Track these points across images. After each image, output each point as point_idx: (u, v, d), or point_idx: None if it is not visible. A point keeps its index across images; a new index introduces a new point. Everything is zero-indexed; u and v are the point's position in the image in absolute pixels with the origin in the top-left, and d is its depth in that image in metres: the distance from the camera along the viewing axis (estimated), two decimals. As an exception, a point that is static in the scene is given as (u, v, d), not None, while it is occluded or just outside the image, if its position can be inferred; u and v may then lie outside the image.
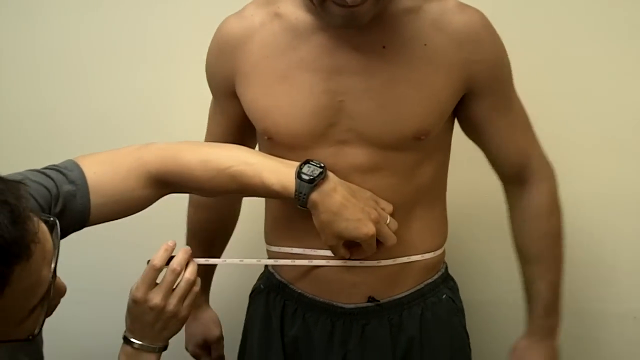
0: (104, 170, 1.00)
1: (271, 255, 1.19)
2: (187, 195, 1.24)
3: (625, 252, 1.47)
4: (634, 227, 1.45)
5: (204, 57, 1.15)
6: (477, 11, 1.05)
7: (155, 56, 1.51)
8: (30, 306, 0.72)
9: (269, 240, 1.20)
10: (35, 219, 0.70)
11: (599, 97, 1.41)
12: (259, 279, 1.26)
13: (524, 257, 1.18)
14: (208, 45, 1.14)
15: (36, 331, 0.75)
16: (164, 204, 1.09)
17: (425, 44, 1.02)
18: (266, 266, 1.23)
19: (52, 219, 0.75)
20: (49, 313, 0.76)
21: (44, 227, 0.72)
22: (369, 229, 1.01)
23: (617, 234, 1.46)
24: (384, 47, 1.02)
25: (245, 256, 1.17)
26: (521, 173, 1.14)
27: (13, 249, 0.66)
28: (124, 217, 1.04)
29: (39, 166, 0.97)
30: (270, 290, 1.19)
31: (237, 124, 1.15)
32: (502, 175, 1.17)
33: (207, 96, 1.20)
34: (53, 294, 0.74)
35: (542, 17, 1.37)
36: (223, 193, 1.12)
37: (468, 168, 1.26)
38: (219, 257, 1.28)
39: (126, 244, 1.48)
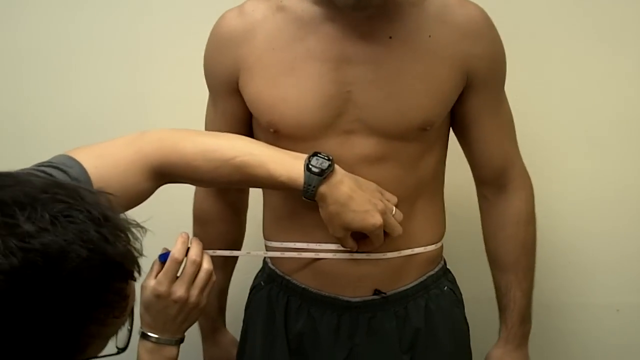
0: (104, 164, 0.96)
1: (271, 251, 1.18)
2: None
3: (606, 246, 1.50)
4: (614, 221, 1.49)
5: (191, 55, 1.14)
6: (478, 6, 1.08)
7: (139, 55, 1.48)
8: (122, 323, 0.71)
9: (269, 236, 1.19)
10: (138, 235, 0.69)
11: (575, 97, 1.45)
12: (257, 277, 1.24)
13: (500, 265, 1.19)
14: (193, 44, 1.13)
15: (124, 344, 0.74)
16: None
17: (429, 36, 1.04)
18: (266, 263, 1.22)
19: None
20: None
21: None
22: (376, 219, 1.02)
23: (597, 229, 1.50)
24: (390, 37, 1.03)
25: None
26: (501, 178, 1.17)
27: (127, 264, 0.65)
28: (126, 211, 1.02)
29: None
30: (272, 287, 1.18)
31: (237, 124, 1.14)
32: (481, 178, 1.19)
33: (194, 95, 1.19)
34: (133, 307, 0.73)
35: (521, 18, 1.40)
36: (225, 184, 1.11)
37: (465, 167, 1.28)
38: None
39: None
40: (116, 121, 1.48)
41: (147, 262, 1.01)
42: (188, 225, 1.23)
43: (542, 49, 1.42)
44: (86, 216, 0.63)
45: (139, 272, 0.68)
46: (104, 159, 0.96)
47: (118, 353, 0.74)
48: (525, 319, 1.20)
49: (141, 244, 0.68)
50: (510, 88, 1.15)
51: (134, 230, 0.68)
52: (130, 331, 0.74)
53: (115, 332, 0.71)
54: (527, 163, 1.21)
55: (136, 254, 0.67)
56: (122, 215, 0.68)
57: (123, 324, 0.71)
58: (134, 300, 0.72)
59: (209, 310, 1.24)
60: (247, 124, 1.15)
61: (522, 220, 1.18)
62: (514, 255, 1.18)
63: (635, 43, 1.41)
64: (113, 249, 0.63)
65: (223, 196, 1.22)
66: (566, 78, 1.44)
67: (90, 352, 0.68)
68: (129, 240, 0.67)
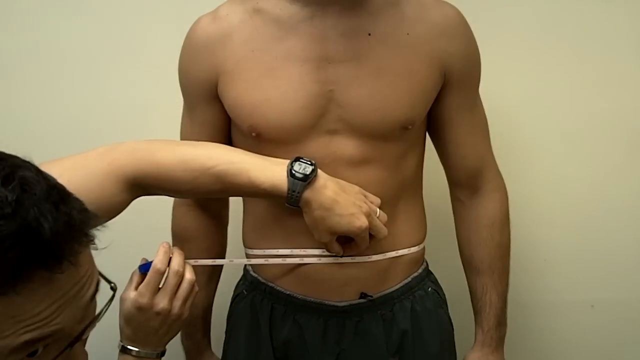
0: (78, 176, 0.91)
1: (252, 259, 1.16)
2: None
3: (579, 243, 1.52)
4: (587, 219, 1.51)
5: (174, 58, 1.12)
6: (454, 6, 1.09)
7: (126, 58, 1.43)
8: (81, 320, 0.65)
9: (250, 243, 1.17)
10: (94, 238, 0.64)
11: (548, 99, 1.46)
12: (239, 285, 1.22)
13: (475, 268, 1.19)
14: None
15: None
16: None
17: (407, 34, 1.05)
18: (247, 271, 1.20)
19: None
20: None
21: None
22: (362, 222, 1.01)
23: (570, 226, 1.51)
24: (369, 34, 1.03)
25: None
26: (475, 179, 1.17)
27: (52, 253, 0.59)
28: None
29: None
30: (255, 294, 1.16)
31: (216, 133, 1.11)
32: (455, 181, 1.19)
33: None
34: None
35: (496, 20, 1.41)
36: (204, 194, 1.08)
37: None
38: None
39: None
40: (103, 127, 1.43)
41: (125, 273, 1.00)
42: (163, 235, 1.19)
43: (515, 52, 1.43)
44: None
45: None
46: (77, 171, 0.93)
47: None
48: (501, 321, 1.20)
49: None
50: (483, 91, 1.16)
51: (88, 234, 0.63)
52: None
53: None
54: (501, 163, 1.22)
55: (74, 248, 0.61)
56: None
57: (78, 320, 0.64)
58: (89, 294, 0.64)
59: (193, 332, 1.22)
60: (225, 132, 1.13)
61: (497, 223, 1.18)
62: (489, 258, 1.18)
63: (609, 45, 1.42)
64: (45, 229, 0.57)
65: (204, 211, 1.19)
66: (540, 80, 1.45)
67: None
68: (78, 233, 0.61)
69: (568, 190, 1.50)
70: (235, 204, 1.24)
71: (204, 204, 1.19)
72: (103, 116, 1.43)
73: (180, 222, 1.20)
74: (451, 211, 1.23)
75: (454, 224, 1.24)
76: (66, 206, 0.60)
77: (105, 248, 0.66)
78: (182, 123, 1.16)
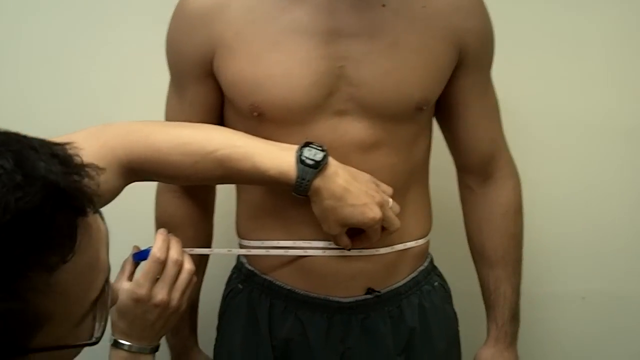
0: None
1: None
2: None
3: (570, 234, 1.49)
4: (578, 210, 1.48)
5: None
6: None
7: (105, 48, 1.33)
8: (91, 297, 0.60)
9: (245, 234, 1.08)
10: (94, 173, 0.59)
11: (547, 97, 1.42)
12: (232, 279, 1.13)
13: (487, 259, 1.13)
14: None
15: (96, 336, 0.62)
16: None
17: (423, 6, 0.97)
18: (242, 264, 1.11)
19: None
20: (105, 326, 0.64)
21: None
22: (375, 212, 0.94)
23: (561, 218, 1.48)
24: (383, 5, 0.95)
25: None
26: (488, 165, 1.11)
27: (73, 197, 0.56)
28: None
29: None
30: (252, 289, 1.07)
31: (207, 114, 1.02)
32: (466, 167, 1.13)
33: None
34: (109, 295, 0.63)
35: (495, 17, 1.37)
36: (203, 181, 1.00)
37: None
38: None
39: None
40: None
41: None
42: (144, 222, 1.11)
43: (517, 52, 1.37)
44: (23, 143, 0.57)
45: (93, 210, 0.59)
46: None
47: (92, 344, 0.63)
48: (516, 316, 1.15)
49: (98, 185, 0.60)
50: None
51: (88, 169, 0.59)
52: (102, 329, 0.64)
53: (77, 312, 0.60)
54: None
55: (87, 189, 0.58)
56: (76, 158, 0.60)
57: (85, 302, 0.60)
58: (101, 275, 0.62)
59: (180, 328, 1.12)
60: (218, 114, 1.04)
61: (510, 211, 1.12)
62: (502, 249, 1.12)
63: (612, 45, 1.39)
64: (55, 176, 0.55)
65: (190, 197, 1.09)
66: (542, 74, 1.40)
67: (51, 331, 0.57)
68: (77, 171, 0.58)
69: (559, 183, 1.46)
70: (225, 189, 1.15)
71: (190, 190, 1.09)
72: (76, 99, 1.33)
73: (166, 210, 1.10)
74: (449, 201, 1.17)
75: (450, 214, 1.18)
76: (58, 155, 0.59)
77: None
78: (168, 103, 1.06)
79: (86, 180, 0.58)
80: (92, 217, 0.59)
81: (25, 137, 0.58)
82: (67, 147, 0.60)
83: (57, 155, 0.58)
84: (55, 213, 0.54)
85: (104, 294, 0.63)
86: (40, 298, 0.55)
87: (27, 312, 0.54)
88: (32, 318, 0.55)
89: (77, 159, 0.59)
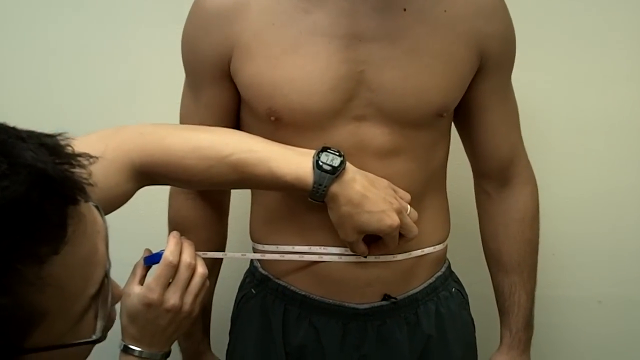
0: None
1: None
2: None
3: (587, 238, 1.47)
4: (595, 214, 1.46)
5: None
6: None
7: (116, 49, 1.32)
8: (89, 292, 0.58)
9: (259, 238, 1.06)
10: (86, 162, 0.57)
11: (562, 97, 1.39)
12: (245, 284, 1.11)
13: (503, 265, 1.12)
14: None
15: (96, 335, 0.60)
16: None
17: (445, 11, 0.95)
18: (255, 268, 1.09)
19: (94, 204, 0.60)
20: (109, 324, 0.62)
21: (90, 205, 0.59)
22: (393, 220, 0.92)
23: (578, 222, 1.46)
24: (404, 9, 0.93)
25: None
26: (507, 171, 1.09)
27: (62, 185, 0.54)
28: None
29: None
30: (266, 294, 1.06)
31: (223, 117, 1.00)
32: (484, 172, 1.11)
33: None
34: (109, 291, 0.60)
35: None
36: (218, 185, 0.98)
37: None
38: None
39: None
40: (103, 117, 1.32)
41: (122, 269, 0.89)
42: (156, 225, 1.10)
43: (533, 51, 1.35)
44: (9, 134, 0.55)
45: (85, 199, 0.57)
46: None
47: (94, 342, 0.61)
48: (530, 322, 1.13)
49: (90, 173, 0.57)
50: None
51: (80, 158, 0.58)
52: (102, 328, 0.62)
53: (74, 309, 0.57)
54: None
55: (78, 177, 0.56)
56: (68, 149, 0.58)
57: (83, 297, 0.58)
58: (98, 269, 0.59)
59: (193, 332, 1.10)
60: (234, 116, 1.02)
61: (527, 217, 1.11)
62: (518, 255, 1.11)
63: (631, 44, 1.36)
64: (43, 164, 0.53)
65: (204, 199, 1.07)
66: (550, 74, 1.37)
67: (48, 329, 0.55)
68: (68, 160, 0.56)
69: (577, 184, 1.44)
70: (240, 192, 1.13)
71: (204, 191, 1.07)
72: (91, 100, 1.31)
73: (179, 211, 1.08)
74: (464, 205, 1.15)
75: (464, 219, 1.16)
76: (47, 145, 0.57)
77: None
78: (182, 104, 1.04)
79: (77, 169, 0.56)
80: (85, 207, 0.57)
81: (13, 128, 0.56)
82: (59, 137, 0.57)
83: (46, 145, 0.55)
84: (44, 201, 0.52)
85: (104, 290, 0.60)
86: (33, 293, 0.52)
87: (19, 309, 0.52)
88: (25, 315, 0.53)
89: (68, 149, 0.57)
